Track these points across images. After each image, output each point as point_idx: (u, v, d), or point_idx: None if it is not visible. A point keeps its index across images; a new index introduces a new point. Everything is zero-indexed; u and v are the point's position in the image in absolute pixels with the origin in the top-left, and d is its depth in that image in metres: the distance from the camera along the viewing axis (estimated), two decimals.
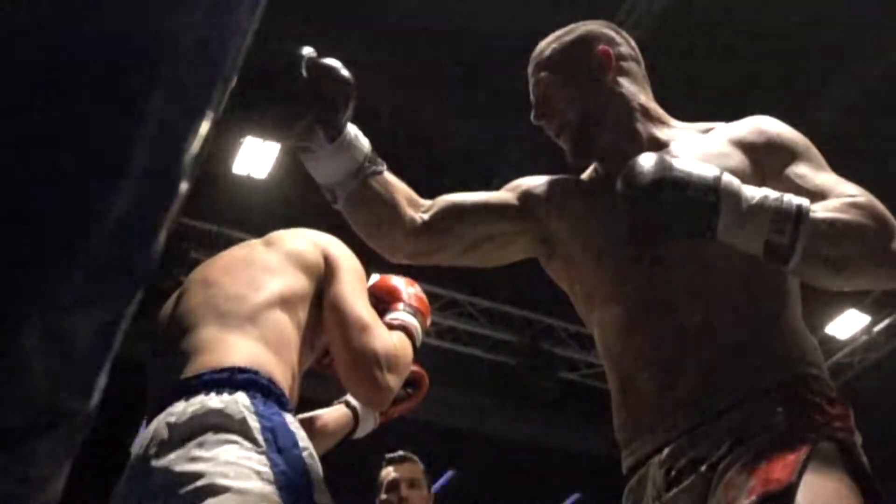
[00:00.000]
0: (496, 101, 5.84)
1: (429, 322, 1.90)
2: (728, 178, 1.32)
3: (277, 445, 1.34)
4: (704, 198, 1.29)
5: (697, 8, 5.27)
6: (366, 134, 1.58)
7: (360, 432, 2.01)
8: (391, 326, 1.76)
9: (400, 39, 5.66)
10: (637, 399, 1.45)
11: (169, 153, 0.52)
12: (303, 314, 1.63)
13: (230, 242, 5.89)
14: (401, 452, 3.26)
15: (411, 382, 2.06)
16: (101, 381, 0.53)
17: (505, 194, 1.70)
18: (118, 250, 0.51)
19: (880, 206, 1.38)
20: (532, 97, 1.67)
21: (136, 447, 1.45)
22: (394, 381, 1.61)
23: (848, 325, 7.43)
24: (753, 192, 1.32)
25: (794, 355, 1.39)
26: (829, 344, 7.20)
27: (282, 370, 1.52)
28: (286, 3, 5.32)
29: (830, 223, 1.32)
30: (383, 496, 3.16)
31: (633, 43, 1.70)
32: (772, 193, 1.32)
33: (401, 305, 1.84)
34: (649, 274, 1.47)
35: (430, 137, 6.22)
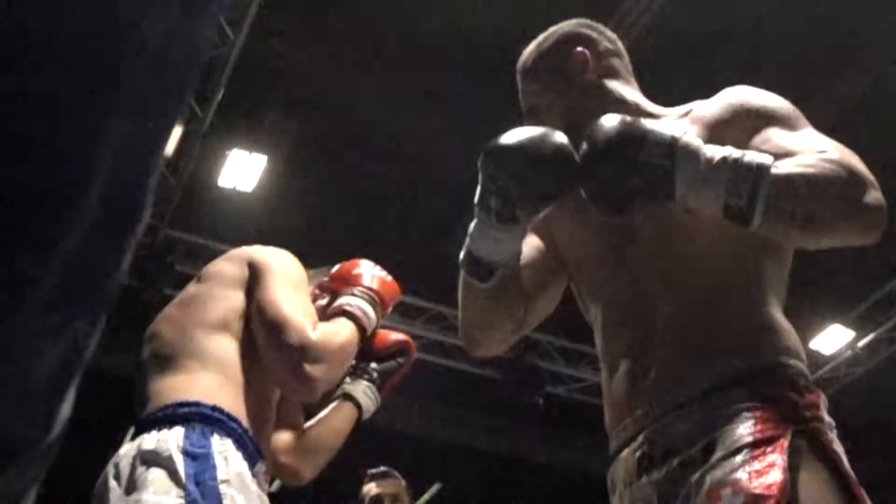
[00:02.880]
0: (480, 114, 5.85)
1: (392, 303, 1.91)
2: (686, 140, 1.30)
3: (197, 478, 1.47)
4: (659, 160, 1.28)
5: (695, 7, 5.30)
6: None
7: (367, 414, 2.06)
8: (332, 313, 1.80)
9: (383, 57, 5.66)
10: (617, 390, 1.47)
11: (130, 176, 0.50)
12: (241, 327, 1.71)
13: (216, 255, 5.83)
14: (383, 468, 3.26)
15: (399, 353, 2.09)
16: (64, 410, 0.51)
17: (538, 243, 1.68)
18: (78, 279, 0.48)
19: (853, 160, 1.33)
20: (522, 107, 1.68)
21: (96, 486, 1.59)
22: (320, 371, 1.63)
23: (832, 340, 7.46)
24: (713, 153, 1.29)
25: (761, 345, 1.38)
26: (814, 359, 7.22)
27: (232, 391, 1.63)
28: (281, 3, 5.32)
29: (794, 178, 1.28)
30: None
31: (611, 36, 1.70)
32: (734, 153, 1.29)
33: (353, 290, 1.86)
34: (627, 270, 1.49)
35: (411, 150, 6.22)
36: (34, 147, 0.45)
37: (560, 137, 1.41)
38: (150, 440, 1.54)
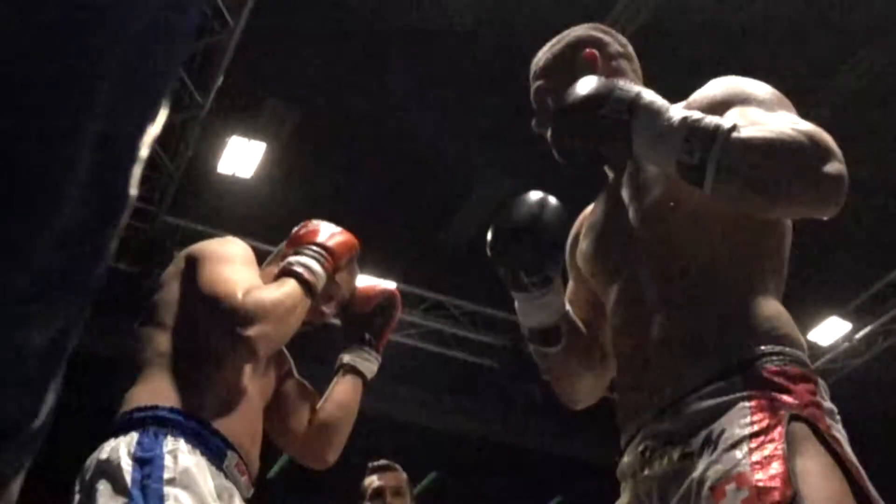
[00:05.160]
0: (478, 104, 5.85)
1: (347, 255, 1.91)
2: (649, 100, 1.34)
3: (142, 482, 1.54)
4: (618, 115, 1.33)
5: (690, 5, 5.30)
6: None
7: (369, 374, 2.08)
8: (276, 275, 1.83)
9: (382, 45, 5.65)
10: (624, 387, 1.51)
11: (114, 162, 0.50)
12: (187, 321, 1.77)
13: None
14: (384, 461, 3.27)
15: (384, 304, 2.10)
16: (50, 396, 0.51)
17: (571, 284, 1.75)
18: (63, 264, 0.48)
19: (818, 131, 1.32)
20: (533, 105, 1.71)
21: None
22: (256, 331, 1.66)
23: (829, 332, 7.48)
24: (674, 114, 1.32)
25: (753, 335, 1.38)
26: (811, 351, 7.16)
27: (191, 388, 1.71)
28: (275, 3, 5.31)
29: (751, 141, 1.28)
30: None
31: (622, 40, 1.75)
32: (694, 114, 1.31)
33: (298, 249, 1.87)
34: (627, 271, 1.52)
35: (410, 139, 6.21)
36: (16, 132, 0.45)
37: (550, 197, 1.55)
38: (106, 449, 1.62)
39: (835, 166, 1.30)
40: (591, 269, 1.63)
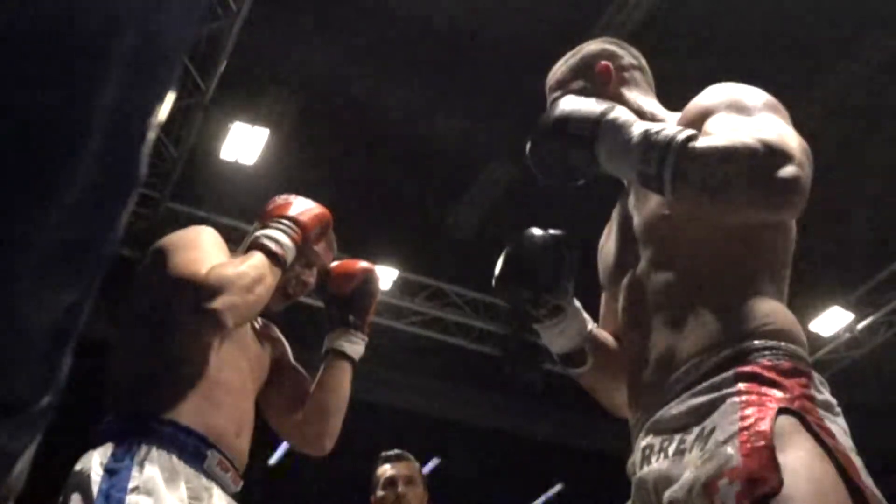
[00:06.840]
0: (481, 91, 5.84)
1: (316, 225, 1.90)
2: (614, 116, 1.43)
3: (107, 493, 1.57)
4: (583, 132, 1.43)
5: (686, 5, 5.28)
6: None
7: (357, 356, 2.08)
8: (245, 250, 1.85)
9: (385, 31, 5.64)
10: (630, 387, 1.56)
11: (125, 137, 0.50)
12: (161, 317, 1.77)
13: (217, 228, 5.83)
14: (396, 451, 3.29)
15: (364, 284, 2.09)
16: (61, 372, 0.51)
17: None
18: (74, 238, 0.48)
19: (781, 139, 1.35)
20: None
21: None
22: (221, 303, 1.67)
23: (831, 322, 7.49)
24: (636, 128, 1.40)
25: (746, 331, 1.40)
26: (813, 341, 7.24)
27: (169, 392, 1.72)
28: None
29: (705, 150, 1.34)
30: (380, 493, 3.18)
31: (635, 53, 1.80)
32: (654, 127, 1.39)
33: (268, 223, 1.87)
34: (632, 276, 1.57)
35: (413, 125, 6.21)
36: (30, 106, 0.45)
37: (549, 231, 1.63)
38: (82, 461, 1.65)
39: (789, 171, 1.32)
40: (604, 275, 1.68)
